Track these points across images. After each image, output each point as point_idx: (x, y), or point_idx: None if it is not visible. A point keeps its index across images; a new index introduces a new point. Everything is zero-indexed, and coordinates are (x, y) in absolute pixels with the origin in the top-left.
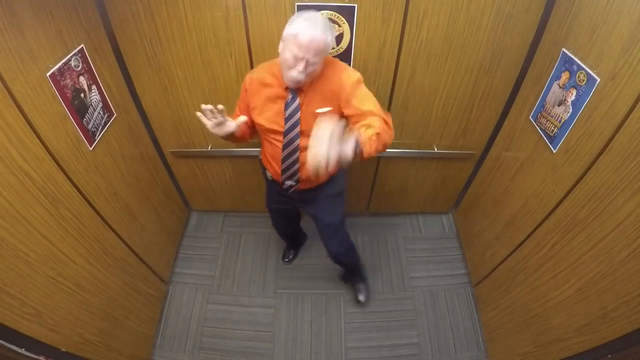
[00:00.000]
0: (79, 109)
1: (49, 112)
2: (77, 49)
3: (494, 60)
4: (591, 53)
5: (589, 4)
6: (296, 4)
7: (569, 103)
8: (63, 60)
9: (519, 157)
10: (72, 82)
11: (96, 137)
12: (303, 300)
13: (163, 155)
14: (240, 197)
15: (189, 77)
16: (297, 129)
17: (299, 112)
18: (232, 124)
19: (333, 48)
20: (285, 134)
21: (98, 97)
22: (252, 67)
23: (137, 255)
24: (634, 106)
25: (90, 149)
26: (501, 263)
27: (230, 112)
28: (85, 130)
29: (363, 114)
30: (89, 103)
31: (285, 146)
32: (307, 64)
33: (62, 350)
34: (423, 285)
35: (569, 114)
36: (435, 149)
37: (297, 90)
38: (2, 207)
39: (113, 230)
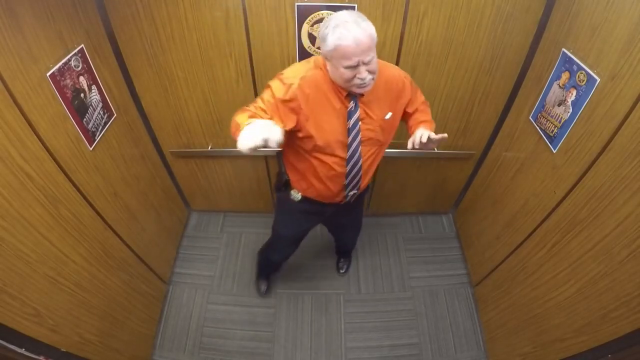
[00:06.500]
0: (79, 109)
1: (49, 112)
2: (77, 49)
3: (494, 60)
4: (591, 53)
5: (589, 4)
6: (296, 4)
7: (569, 103)
8: (63, 61)
9: (519, 157)
10: (72, 82)
11: (96, 137)
12: (303, 300)
13: (163, 155)
14: (240, 197)
15: (189, 77)
16: (359, 138)
17: (361, 121)
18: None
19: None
20: (349, 145)
21: (98, 97)
22: (252, 67)
23: (137, 255)
24: (634, 106)
25: (90, 149)
26: (501, 263)
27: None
28: (85, 130)
29: (420, 105)
30: (89, 103)
31: (349, 159)
32: (366, 65)
33: (62, 350)
34: (423, 285)
35: (569, 114)
36: (435, 149)
37: (358, 96)
38: (2, 207)
39: (113, 230)
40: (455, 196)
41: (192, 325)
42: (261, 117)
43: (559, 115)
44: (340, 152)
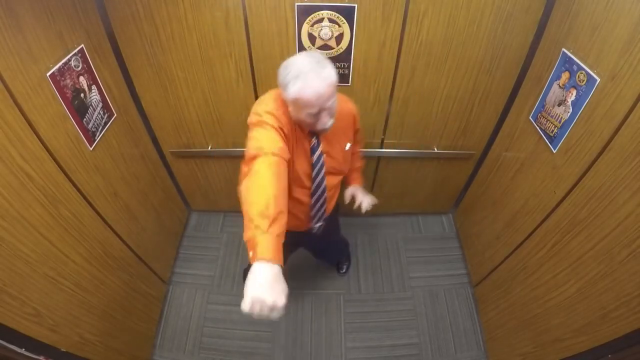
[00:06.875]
0: (79, 109)
1: (49, 112)
2: (77, 49)
3: (494, 60)
4: (591, 53)
5: (589, 4)
6: (296, 4)
7: (569, 103)
8: (63, 60)
9: (519, 157)
10: (72, 82)
11: (96, 137)
12: (303, 300)
13: (163, 155)
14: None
15: (189, 77)
16: (323, 172)
17: (324, 154)
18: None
19: (332, 48)
20: (314, 179)
21: (98, 97)
22: (252, 67)
23: (137, 255)
24: (634, 106)
25: (90, 149)
26: (501, 263)
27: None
28: (85, 130)
29: (356, 140)
30: (89, 103)
31: (314, 192)
32: (327, 110)
33: (62, 350)
34: (423, 285)
35: (569, 114)
36: (435, 149)
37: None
38: (2, 207)
39: (113, 230)
40: (455, 196)
41: (192, 325)
42: (281, 153)
43: (559, 115)
44: (307, 183)
